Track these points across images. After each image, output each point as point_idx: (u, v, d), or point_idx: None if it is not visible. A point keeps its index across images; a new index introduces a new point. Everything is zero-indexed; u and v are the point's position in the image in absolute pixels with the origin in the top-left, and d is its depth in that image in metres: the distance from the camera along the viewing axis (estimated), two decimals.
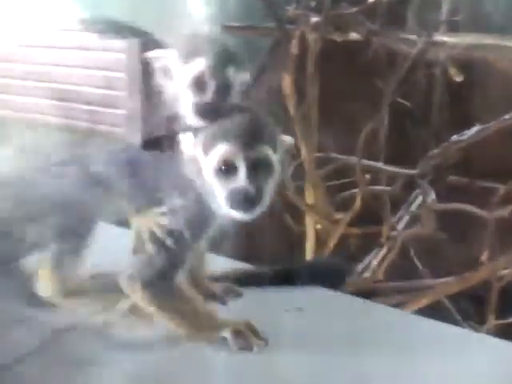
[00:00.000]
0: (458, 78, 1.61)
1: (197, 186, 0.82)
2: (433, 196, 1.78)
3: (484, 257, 1.89)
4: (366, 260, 1.94)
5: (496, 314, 1.88)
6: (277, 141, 0.81)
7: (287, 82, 1.63)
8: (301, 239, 1.96)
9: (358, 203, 1.74)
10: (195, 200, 0.83)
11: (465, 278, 1.87)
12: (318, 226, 1.90)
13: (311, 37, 1.64)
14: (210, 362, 0.82)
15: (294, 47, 1.67)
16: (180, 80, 0.83)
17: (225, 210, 0.81)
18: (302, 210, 1.92)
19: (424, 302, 1.88)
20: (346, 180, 1.99)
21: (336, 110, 1.90)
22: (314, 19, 1.66)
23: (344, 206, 2.00)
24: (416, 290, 1.90)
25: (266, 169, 0.79)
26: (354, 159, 1.84)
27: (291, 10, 1.68)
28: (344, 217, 1.77)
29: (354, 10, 1.64)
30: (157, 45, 0.87)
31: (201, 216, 0.84)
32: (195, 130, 0.83)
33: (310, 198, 1.90)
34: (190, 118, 0.83)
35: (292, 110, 1.71)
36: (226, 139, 0.78)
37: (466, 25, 1.96)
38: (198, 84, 0.81)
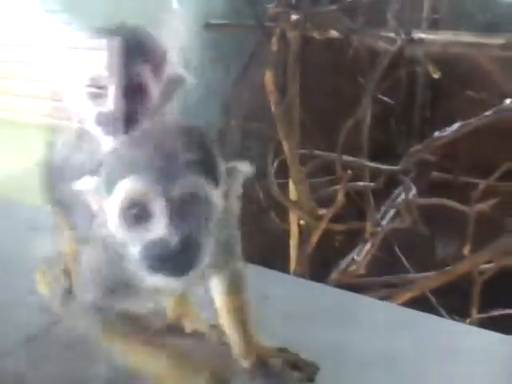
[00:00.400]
0: (436, 75, 1.63)
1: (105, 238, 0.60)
2: (414, 191, 1.80)
3: (466, 251, 1.91)
4: (350, 256, 1.97)
5: (479, 307, 1.91)
6: (218, 169, 0.58)
7: (268, 79, 1.64)
8: (285, 235, 1.98)
9: (340, 199, 1.76)
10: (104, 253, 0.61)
11: (447, 271, 1.89)
12: (302, 222, 1.91)
13: (291, 34, 1.65)
14: None
15: (274, 44, 1.68)
16: (76, 89, 0.66)
17: (142, 273, 0.57)
18: (285, 207, 1.93)
19: (408, 295, 1.90)
20: (330, 177, 2.01)
21: (318, 107, 1.92)
22: (294, 17, 1.68)
23: (328, 202, 2.02)
24: (400, 284, 1.93)
25: (198, 209, 0.56)
26: (335, 155, 1.86)
27: (272, 8, 1.69)
28: (327, 212, 1.79)
29: (334, 7, 1.66)
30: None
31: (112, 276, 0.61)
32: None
33: (293, 194, 1.92)
34: (94, 131, 0.65)
35: (274, 107, 1.73)
36: (132, 170, 0.54)
37: (445, 23, 1.99)
38: (95, 87, 0.64)
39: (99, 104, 0.65)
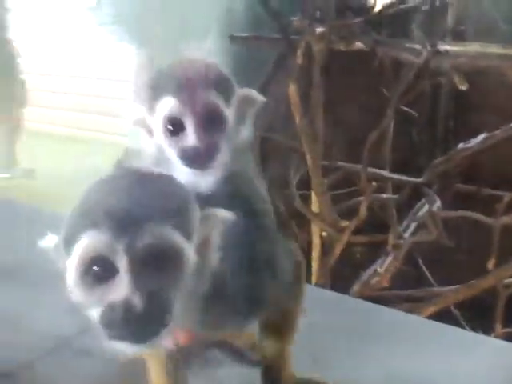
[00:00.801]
0: (463, 87, 1.62)
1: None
2: (438, 203, 1.79)
3: (490, 264, 1.89)
4: (372, 268, 1.95)
5: (503, 322, 1.88)
6: (190, 218, 0.53)
7: (293, 92, 1.65)
8: (307, 247, 1.97)
9: (363, 211, 1.75)
10: None
11: (471, 285, 1.87)
12: (324, 234, 1.91)
13: (316, 47, 1.66)
14: None
15: (300, 57, 1.69)
16: (154, 129, 0.65)
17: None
18: (307, 219, 1.93)
19: (431, 309, 1.88)
20: (352, 188, 2.01)
21: (341, 119, 1.92)
22: (319, 29, 1.68)
23: (350, 214, 2.01)
24: (423, 297, 1.91)
25: (167, 265, 0.50)
26: (359, 167, 1.85)
27: (296, 21, 1.70)
28: (349, 224, 1.78)
29: (359, 20, 1.66)
30: None
31: None
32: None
33: (315, 206, 1.91)
34: (177, 164, 0.64)
35: (298, 118, 1.73)
36: (91, 223, 0.50)
37: (470, 34, 1.98)
38: (172, 126, 0.63)
39: (180, 139, 0.64)
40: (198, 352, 0.75)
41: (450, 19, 2.07)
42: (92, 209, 0.51)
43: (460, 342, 0.89)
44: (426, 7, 1.88)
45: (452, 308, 1.92)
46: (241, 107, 0.65)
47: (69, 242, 0.51)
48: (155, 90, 0.65)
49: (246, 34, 1.76)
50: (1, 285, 0.91)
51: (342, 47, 1.70)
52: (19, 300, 0.87)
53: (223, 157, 0.63)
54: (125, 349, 0.49)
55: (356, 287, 1.89)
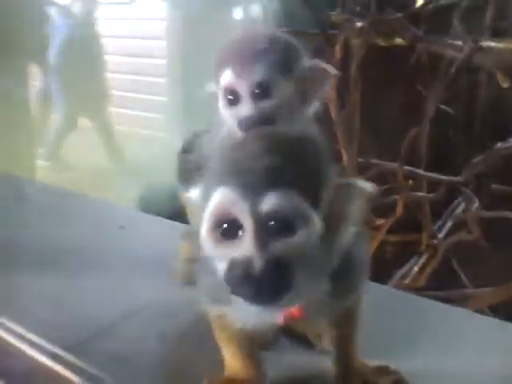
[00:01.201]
0: (505, 84, 1.59)
1: None
2: (476, 203, 1.75)
3: None
4: (406, 267, 1.92)
5: None
6: (320, 186, 0.52)
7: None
8: None
9: (399, 209, 1.72)
10: None
11: (508, 288, 1.82)
12: None
13: (355, 42, 1.64)
14: None
15: (338, 52, 1.67)
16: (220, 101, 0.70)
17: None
18: None
19: None
20: (386, 186, 1.98)
21: (378, 115, 1.89)
22: (359, 24, 1.66)
23: (383, 212, 1.99)
24: (458, 299, 1.87)
25: (290, 231, 0.50)
26: (394, 165, 1.82)
27: (335, 15, 1.68)
28: (385, 222, 1.75)
29: (400, 15, 1.63)
30: None
31: None
32: None
33: None
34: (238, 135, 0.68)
35: (334, 114, 1.71)
36: (223, 181, 0.52)
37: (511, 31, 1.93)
38: (229, 97, 0.68)
39: (238, 109, 0.68)
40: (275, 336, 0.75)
41: (489, 15, 2.03)
42: (226, 167, 0.52)
43: None
44: (465, 3, 1.84)
45: (487, 311, 1.88)
46: (311, 77, 0.67)
47: (205, 197, 0.53)
48: (219, 64, 0.69)
49: (282, 29, 1.74)
50: (49, 270, 0.93)
51: (380, 42, 1.67)
52: (65, 285, 0.90)
53: (279, 126, 0.66)
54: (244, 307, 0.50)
55: (389, 286, 1.87)
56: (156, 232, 1.05)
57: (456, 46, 1.60)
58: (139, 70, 3.14)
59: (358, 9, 1.67)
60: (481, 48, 1.55)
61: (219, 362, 0.67)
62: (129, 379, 0.71)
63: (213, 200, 0.51)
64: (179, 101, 2.58)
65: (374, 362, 0.70)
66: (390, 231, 1.96)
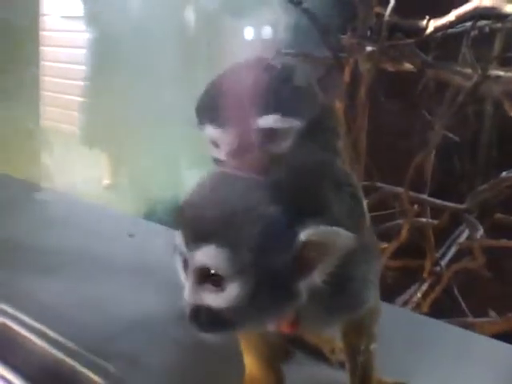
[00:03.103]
0: None
1: None
2: (481, 231, 1.74)
3: None
4: (408, 293, 1.90)
5: None
6: (242, 243, 0.51)
7: (338, 110, 1.63)
8: None
9: (404, 234, 1.71)
10: None
11: (510, 318, 1.81)
12: None
13: (364, 66, 1.65)
14: None
15: (346, 76, 1.68)
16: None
17: None
18: None
19: None
20: (389, 211, 1.97)
21: (384, 140, 1.90)
22: (369, 48, 1.67)
23: (385, 237, 1.98)
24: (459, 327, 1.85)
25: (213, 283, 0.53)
26: (399, 189, 1.82)
27: (346, 39, 1.69)
28: (388, 247, 1.74)
29: (410, 41, 1.65)
30: None
31: None
32: None
33: None
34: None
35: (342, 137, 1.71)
36: (177, 225, 0.57)
37: None
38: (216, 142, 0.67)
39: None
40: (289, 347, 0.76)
41: (497, 45, 2.05)
42: (179, 212, 0.54)
43: None
44: (474, 32, 1.85)
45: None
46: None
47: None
48: (200, 116, 0.68)
49: (292, 51, 1.75)
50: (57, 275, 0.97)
51: (389, 67, 1.68)
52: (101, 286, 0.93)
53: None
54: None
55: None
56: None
57: (464, 74, 1.61)
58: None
59: (368, 33, 1.68)
60: (489, 76, 1.56)
61: (234, 369, 0.68)
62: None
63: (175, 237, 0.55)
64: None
65: (391, 379, 0.70)
66: (392, 256, 1.95)
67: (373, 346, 0.68)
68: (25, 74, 1.90)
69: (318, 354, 0.76)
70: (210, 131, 0.66)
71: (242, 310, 0.51)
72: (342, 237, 0.51)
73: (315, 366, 0.75)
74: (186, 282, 0.54)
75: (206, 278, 0.52)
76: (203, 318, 0.52)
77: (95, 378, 0.71)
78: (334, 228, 0.51)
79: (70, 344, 0.76)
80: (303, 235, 0.50)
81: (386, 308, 0.93)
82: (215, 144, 0.67)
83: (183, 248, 0.53)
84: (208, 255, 0.50)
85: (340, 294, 0.56)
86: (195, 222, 0.52)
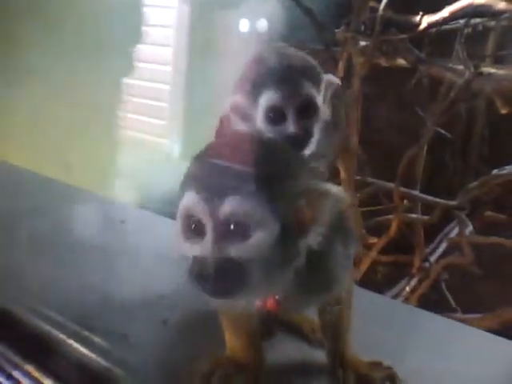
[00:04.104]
0: (505, 110, 1.60)
1: None
2: (470, 228, 1.75)
3: None
4: (397, 288, 1.92)
5: None
6: (277, 193, 0.55)
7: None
8: None
9: (393, 229, 1.72)
10: None
11: (498, 314, 1.82)
12: None
13: (358, 60, 1.65)
14: None
15: (340, 69, 1.68)
16: (257, 119, 0.74)
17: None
18: None
19: None
20: (380, 207, 1.98)
21: (376, 135, 1.91)
22: (362, 43, 1.67)
23: (376, 232, 1.98)
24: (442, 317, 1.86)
25: (248, 234, 0.55)
26: (390, 185, 1.82)
27: (340, 33, 1.69)
28: (378, 241, 1.75)
29: (404, 36, 1.65)
30: None
31: None
32: None
33: None
34: None
35: None
36: (191, 184, 0.58)
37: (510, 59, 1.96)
38: (274, 117, 0.72)
39: (281, 126, 0.72)
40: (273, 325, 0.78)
41: (490, 43, 2.06)
42: (194, 172, 0.57)
43: None
44: (468, 30, 1.86)
45: None
46: (325, 90, 0.74)
47: (179, 199, 0.57)
48: (257, 83, 0.73)
49: (286, 44, 1.75)
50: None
51: (382, 62, 1.69)
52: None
53: (315, 139, 0.72)
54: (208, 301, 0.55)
55: None
56: (156, 227, 1.08)
57: (457, 71, 1.61)
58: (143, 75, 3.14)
59: (362, 28, 1.68)
60: (481, 74, 1.56)
61: (221, 347, 0.69)
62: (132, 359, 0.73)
63: (182, 202, 0.56)
64: (182, 108, 2.59)
65: (367, 358, 0.72)
66: (383, 251, 1.96)
67: (348, 326, 0.70)
68: None
69: (299, 334, 0.78)
70: (276, 99, 0.72)
71: (262, 262, 0.54)
72: (334, 190, 0.56)
73: (296, 344, 0.77)
74: (199, 243, 0.55)
75: (230, 230, 0.54)
76: (226, 272, 0.54)
77: (83, 349, 0.73)
78: (328, 185, 0.57)
79: (59, 318, 0.79)
80: (301, 193, 0.56)
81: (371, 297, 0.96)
82: (278, 113, 0.72)
83: (201, 206, 0.54)
84: (235, 205, 0.53)
85: (317, 272, 0.59)
86: (220, 176, 0.55)
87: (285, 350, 0.76)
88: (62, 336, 0.76)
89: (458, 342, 0.85)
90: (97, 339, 0.75)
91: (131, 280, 0.90)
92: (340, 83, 0.77)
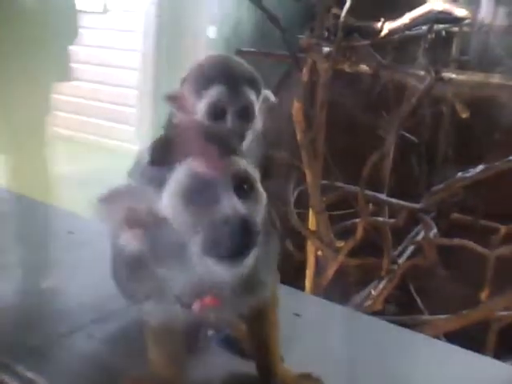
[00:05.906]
0: (465, 115, 1.63)
1: None
2: (435, 230, 1.78)
3: (484, 296, 1.88)
4: (366, 291, 1.93)
5: (493, 355, 1.86)
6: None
7: (297, 109, 1.65)
8: (301, 266, 1.95)
9: (359, 233, 1.74)
10: None
11: (463, 316, 1.85)
12: (319, 253, 1.89)
13: (322, 66, 1.67)
14: None
15: (305, 75, 1.70)
16: (198, 111, 0.78)
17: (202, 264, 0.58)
18: (303, 237, 1.92)
19: None
20: (349, 210, 2.00)
21: (342, 139, 1.93)
22: (326, 49, 1.69)
23: (345, 236, 2.00)
24: (413, 325, 1.88)
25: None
26: (357, 189, 1.84)
27: (304, 39, 1.71)
28: (345, 245, 1.77)
29: (366, 42, 1.67)
30: None
31: None
32: None
33: (312, 224, 1.90)
34: None
35: (300, 136, 1.73)
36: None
37: (474, 64, 2.00)
38: (216, 111, 0.77)
39: (219, 123, 0.77)
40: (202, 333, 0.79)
41: (454, 49, 2.10)
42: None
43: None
44: (431, 36, 1.90)
45: (442, 338, 1.90)
46: (262, 103, 0.79)
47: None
48: (207, 79, 0.77)
49: (253, 49, 1.77)
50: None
51: (346, 68, 1.71)
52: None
53: (245, 144, 0.76)
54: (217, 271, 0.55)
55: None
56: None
57: (419, 76, 1.64)
58: (109, 81, 3.13)
59: (326, 34, 1.71)
60: (441, 79, 1.59)
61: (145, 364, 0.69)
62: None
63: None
64: (149, 113, 2.59)
65: (297, 371, 0.72)
66: (351, 255, 1.98)
67: (275, 336, 0.70)
68: None
69: (233, 346, 0.78)
70: (220, 96, 0.77)
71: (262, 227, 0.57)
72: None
73: (228, 357, 0.77)
74: (222, 202, 0.55)
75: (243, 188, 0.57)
76: (249, 229, 0.54)
77: None
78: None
79: None
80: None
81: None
82: (219, 110, 0.77)
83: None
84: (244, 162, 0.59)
85: (253, 272, 0.59)
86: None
87: (215, 364, 0.76)
88: None
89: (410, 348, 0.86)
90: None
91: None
92: (275, 101, 0.82)
